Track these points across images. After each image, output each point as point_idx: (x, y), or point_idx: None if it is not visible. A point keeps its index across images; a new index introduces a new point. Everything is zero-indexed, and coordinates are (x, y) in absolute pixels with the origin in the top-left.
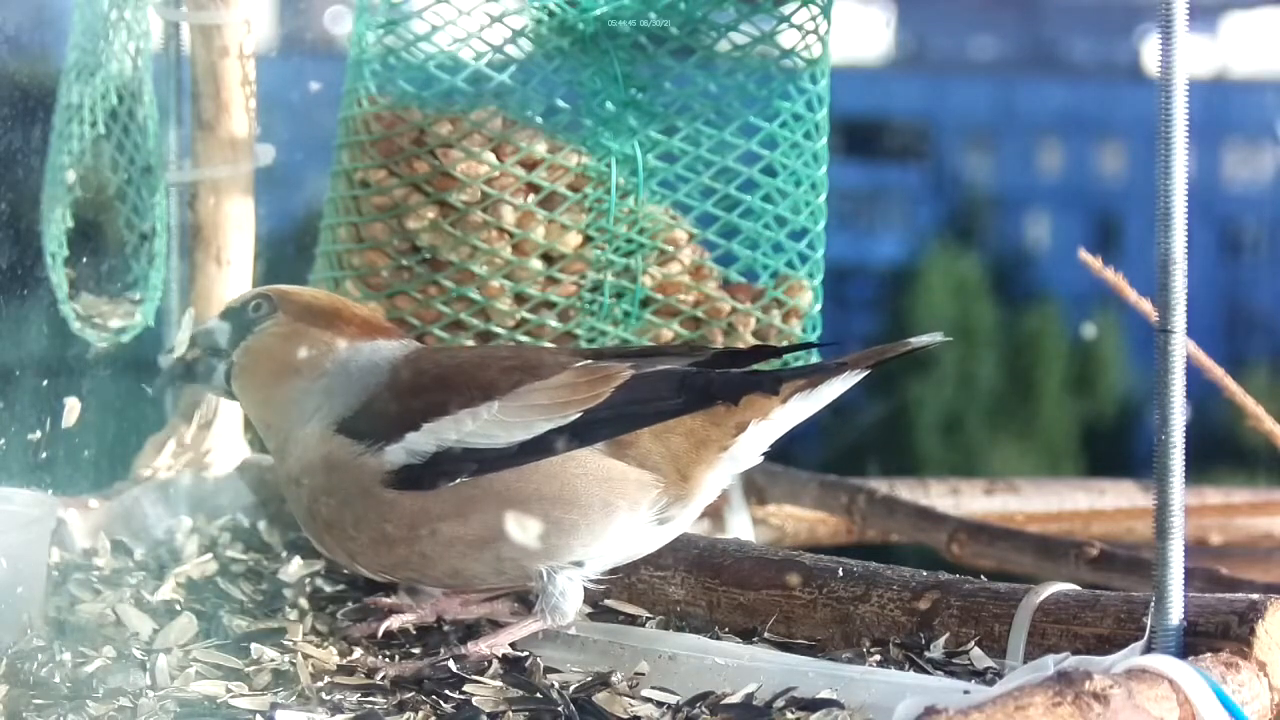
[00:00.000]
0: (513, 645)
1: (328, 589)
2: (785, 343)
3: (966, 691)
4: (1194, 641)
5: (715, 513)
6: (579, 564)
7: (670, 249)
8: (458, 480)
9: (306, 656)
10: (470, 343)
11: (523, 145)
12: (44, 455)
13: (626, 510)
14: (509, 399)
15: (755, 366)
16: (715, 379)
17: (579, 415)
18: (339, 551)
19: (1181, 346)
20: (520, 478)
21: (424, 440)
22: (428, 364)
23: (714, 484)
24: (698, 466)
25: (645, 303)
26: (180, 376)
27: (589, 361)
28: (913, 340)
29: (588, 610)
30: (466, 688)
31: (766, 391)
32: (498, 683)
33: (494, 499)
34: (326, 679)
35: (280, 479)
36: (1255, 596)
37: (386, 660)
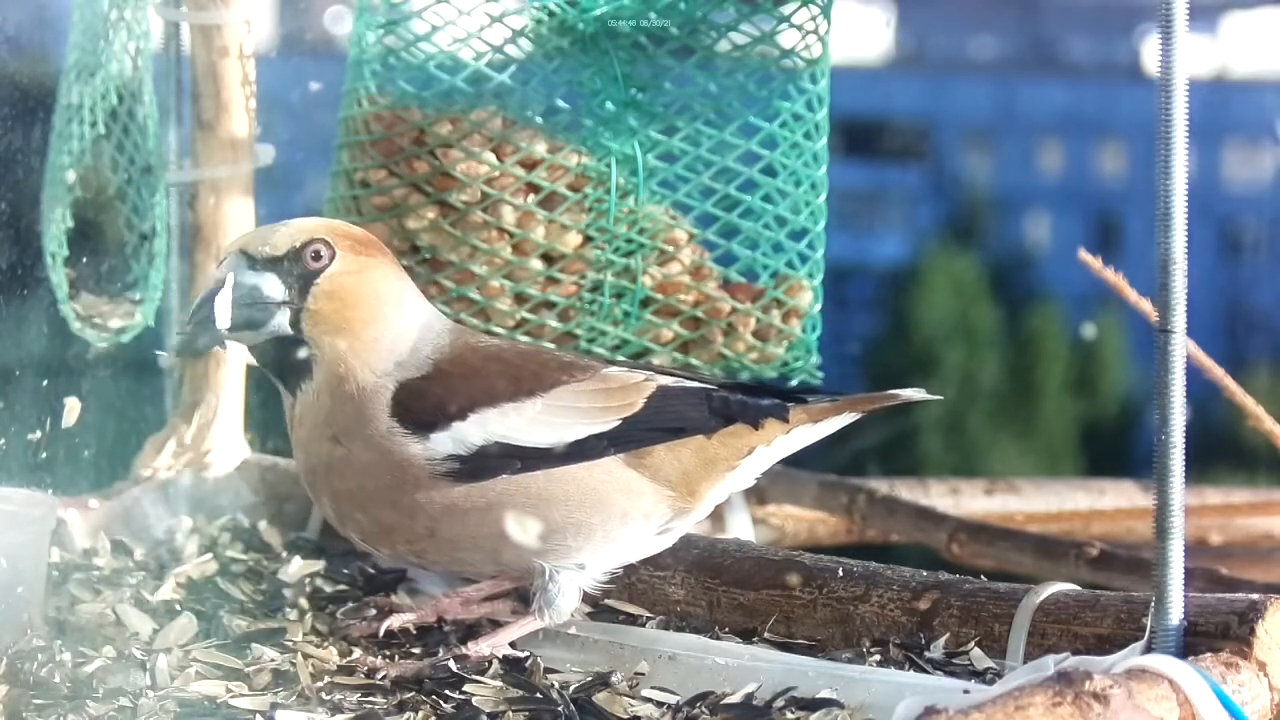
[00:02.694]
0: (513, 645)
1: (328, 589)
2: (785, 343)
3: (966, 691)
4: (1194, 641)
5: (715, 513)
6: (581, 566)
7: (670, 249)
8: (500, 476)
9: (306, 656)
10: None
11: (523, 145)
12: (44, 455)
13: (640, 520)
14: (550, 398)
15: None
16: (735, 403)
17: (618, 423)
18: (336, 517)
19: (1181, 346)
20: (551, 480)
21: (471, 431)
22: (473, 348)
23: (714, 500)
24: (704, 483)
25: (645, 303)
26: (214, 339)
27: (611, 368)
28: (900, 392)
29: (588, 610)
30: (466, 688)
31: (780, 419)
32: (498, 683)
33: (523, 497)
34: (326, 679)
35: (310, 421)
36: (1255, 596)
37: (386, 660)
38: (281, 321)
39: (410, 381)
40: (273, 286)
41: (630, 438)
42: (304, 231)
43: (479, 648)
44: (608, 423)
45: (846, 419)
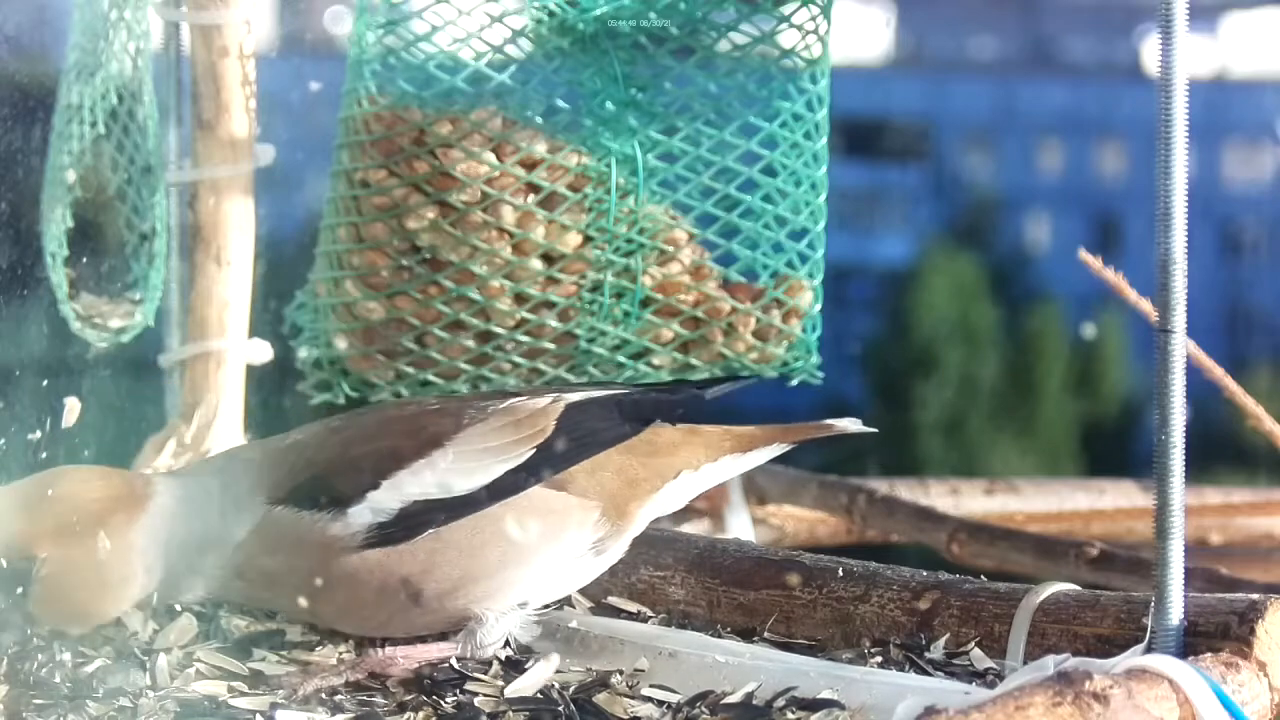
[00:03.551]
0: (512, 646)
1: None
2: (785, 343)
3: (967, 692)
4: (1194, 641)
5: (715, 513)
6: (523, 605)
7: (670, 249)
8: (428, 532)
9: (307, 658)
10: (470, 342)
11: (523, 145)
12: (44, 455)
13: (574, 534)
14: (459, 443)
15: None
16: (648, 402)
17: (532, 453)
18: (324, 627)
19: (1181, 346)
20: (476, 524)
21: (387, 498)
22: (355, 430)
23: (646, 517)
24: (631, 502)
25: (645, 303)
26: None
27: (515, 399)
28: (835, 423)
29: (588, 606)
30: (468, 686)
31: (696, 405)
32: (499, 683)
33: (454, 549)
34: None
35: (205, 589)
36: (1255, 596)
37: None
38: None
39: (280, 493)
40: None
41: (547, 464)
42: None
43: (394, 655)
44: (521, 455)
45: (777, 449)
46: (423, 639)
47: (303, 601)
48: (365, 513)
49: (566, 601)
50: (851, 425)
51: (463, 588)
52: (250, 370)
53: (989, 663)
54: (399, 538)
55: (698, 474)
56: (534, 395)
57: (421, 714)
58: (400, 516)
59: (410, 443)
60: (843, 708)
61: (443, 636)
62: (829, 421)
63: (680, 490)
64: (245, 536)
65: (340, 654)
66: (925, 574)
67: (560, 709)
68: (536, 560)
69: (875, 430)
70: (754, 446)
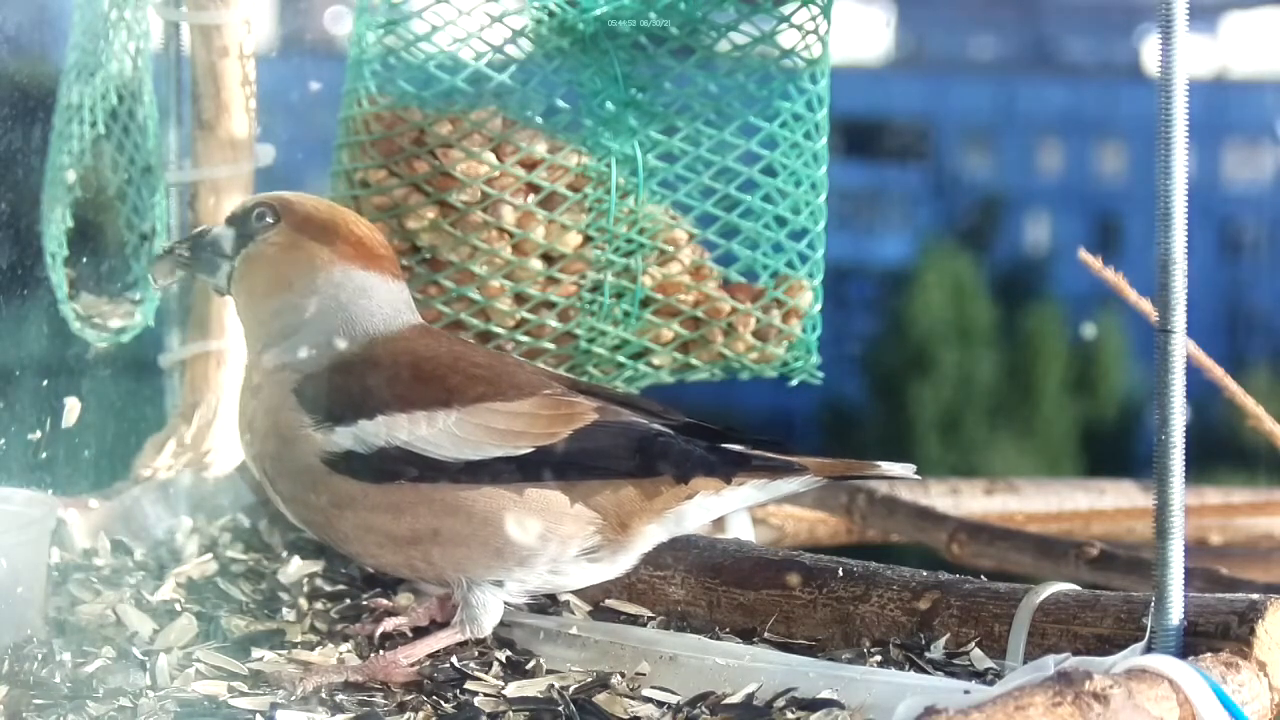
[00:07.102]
0: (512, 648)
1: (327, 589)
2: (785, 344)
3: (967, 691)
4: (1194, 641)
5: None
6: (498, 583)
7: (670, 249)
8: (395, 482)
9: (306, 658)
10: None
11: (523, 145)
12: (44, 455)
13: (557, 544)
14: (468, 413)
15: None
16: (674, 451)
17: (530, 450)
18: (270, 491)
19: (1181, 346)
20: (460, 493)
21: (375, 431)
22: (403, 350)
23: (653, 537)
24: (639, 519)
25: (645, 303)
26: (183, 264)
27: (557, 392)
28: (884, 466)
29: (588, 609)
30: (468, 685)
31: (721, 479)
32: (499, 683)
33: (429, 505)
34: None
35: (243, 389)
36: (1255, 596)
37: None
38: (222, 278)
39: (321, 371)
40: (226, 240)
41: (541, 468)
42: (268, 196)
43: (396, 658)
44: (519, 448)
45: (810, 483)
46: (421, 635)
47: (277, 486)
48: (348, 437)
49: (565, 605)
50: (902, 470)
51: (429, 546)
52: None
53: (989, 663)
54: (366, 474)
55: (719, 497)
56: (576, 396)
57: (421, 714)
58: (378, 455)
59: (426, 392)
60: (843, 708)
61: (440, 626)
62: (880, 463)
63: (699, 512)
64: (271, 399)
65: (341, 654)
66: (925, 574)
67: (560, 709)
68: (512, 551)
69: (919, 478)
70: (780, 476)
